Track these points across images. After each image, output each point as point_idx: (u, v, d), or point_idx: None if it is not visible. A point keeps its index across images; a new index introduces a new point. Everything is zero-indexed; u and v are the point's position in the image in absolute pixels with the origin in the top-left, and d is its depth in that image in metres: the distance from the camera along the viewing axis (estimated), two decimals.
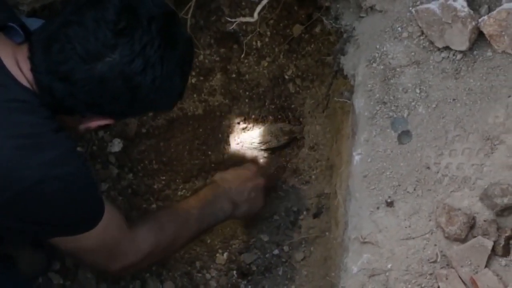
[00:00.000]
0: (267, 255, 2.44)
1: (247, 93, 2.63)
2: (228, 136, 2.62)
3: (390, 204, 1.84)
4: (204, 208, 2.17)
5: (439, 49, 1.93)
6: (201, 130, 2.61)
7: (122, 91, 1.65)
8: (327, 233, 2.34)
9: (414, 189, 1.83)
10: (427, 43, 1.94)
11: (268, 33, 2.60)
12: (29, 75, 1.66)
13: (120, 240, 1.90)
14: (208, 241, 2.47)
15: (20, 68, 1.66)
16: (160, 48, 1.64)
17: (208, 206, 2.19)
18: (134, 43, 1.61)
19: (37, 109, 1.65)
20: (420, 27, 1.94)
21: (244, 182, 2.32)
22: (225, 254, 2.45)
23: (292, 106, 2.63)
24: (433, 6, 1.89)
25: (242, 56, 2.54)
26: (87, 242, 1.81)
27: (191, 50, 1.80)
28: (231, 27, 2.46)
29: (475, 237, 1.74)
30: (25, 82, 1.66)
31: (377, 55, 1.98)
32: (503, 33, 1.84)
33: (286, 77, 2.63)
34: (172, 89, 1.73)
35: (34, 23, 1.78)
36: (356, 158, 1.92)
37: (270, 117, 2.63)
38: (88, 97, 1.65)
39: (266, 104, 2.63)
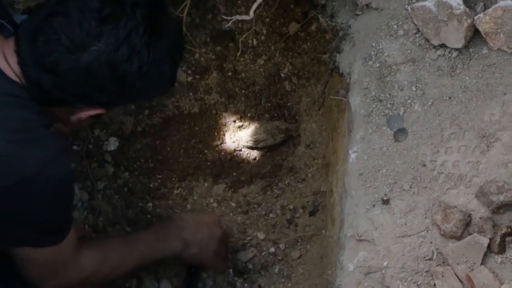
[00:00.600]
0: (263, 253, 2.43)
1: (243, 91, 2.63)
2: (224, 135, 2.62)
3: (386, 201, 1.84)
4: (152, 244, 2.15)
5: (435, 46, 1.93)
6: (197, 128, 2.61)
7: (109, 80, 1.64)
8: (323, 231, 2.34)
9: (410, 187, 1.83)
10: (423, 40, 1.94)
11: (264, 31, 2.60)
12: (16, 68, 1.65)
13: (67, 261, 1.88)
14: None
15: (8, 62, 1.65)
16: (145, 35, 1.62)
17: (157, 243, 2.16)
18: (118, 31, 1.60)
19: (28, 103, 1.65)
20: (416, 25, 1.94)
21: (201, 226, 2.27)
22: None
23: (288, 104, 2.63)
24: (429, 3, 1.89)
25: (238, 54, 2.54)
26: (41, 253, 1.79)
27: (180, 36, 1.79)
28: (227, 25, 2.47)
29: (471, 234, 1.74)
30: (13, 76, 1.65)
31: (373, 52, 1.98)
32: (498, 30, 1.84)
33: (282, 75, 2.63)
34: (161, 76, 1.72)
35: None
36: (352, 156, 1.92)
37: (266, 115, 2.63)
38: (75, 88, 1.64)
39: (262, 102, 2.63)
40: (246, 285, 2.39)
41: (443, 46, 1.92)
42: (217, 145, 2.61)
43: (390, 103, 1.92)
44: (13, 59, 1.65)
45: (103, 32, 1.60)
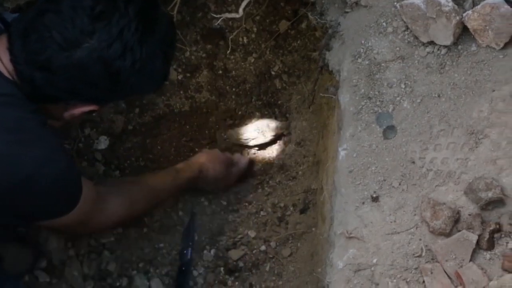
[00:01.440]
0: (254, 251, 2.42)
1: (234, 89, 2.62)
2: (215, 133, 2.62)
3: (375, 199, 1.84)
4: (173, 186, 2.30)
5: (423, 44, 1.93)
6: (187, 126, 2.60)
7: (102, 76, 1.65)
8: (313, 229, 2.34)
9: (399, 184, 1.84)
10: (412, 38, 1.95)
11: (255, 29, 2.60)
12: (9, 66, 1.65)
13: (92, 213, 1.93)
14: (196, 238, 2.46)
15: (1, 59, 1.65)
16: (138, 31, 1.63)
17: (176, 187, 2.32)
18: (111, 28, 1.61)
19: (22, 102, 1.65)
20: (404, 22, 1.95)
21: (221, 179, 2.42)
22: (212, 251, 2.44)
23: (279, 102, 2.63)
24: (417, 1, 1.89)
25: (228, 52, 2.54)
26: (61, 220, 1.82)
27: (172, 32, 1.79)
28: (217, 23, 2.46)
29: (459, 231, 1.74)
30: (6, 74, 1.66)
31: (362, 50, 1.98)
32: (487, 27, 1.84)
33: (273, 73, 2.63)
34: (154, 72, 1.72)
35: None
36: (342, 153, 1.92)
37: (257, 113, 2.62)
38: (68, 85, 1.65)
39: (253, 100, 2.63)
40: (237, 283, 2.39)
41: (432, 43, 1.92)
42: (208, 144, 2.60)
43: (379, 101, 1.92)
44: (6, 57, 1.66)
45: (96, 29, 1.61)
